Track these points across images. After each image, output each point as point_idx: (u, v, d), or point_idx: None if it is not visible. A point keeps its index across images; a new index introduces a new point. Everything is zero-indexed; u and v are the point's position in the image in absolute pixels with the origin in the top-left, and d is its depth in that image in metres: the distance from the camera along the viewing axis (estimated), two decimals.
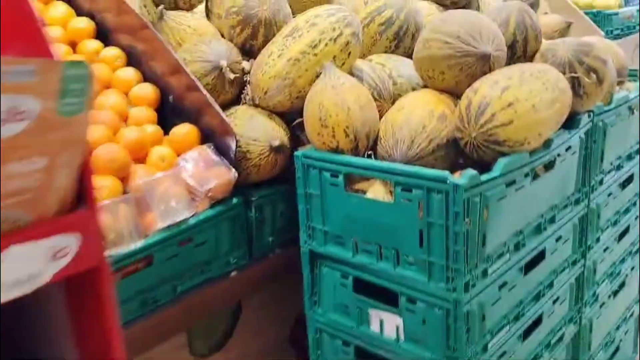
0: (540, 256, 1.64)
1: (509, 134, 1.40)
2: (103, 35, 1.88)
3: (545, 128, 1.46)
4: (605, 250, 2.04)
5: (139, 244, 1.35)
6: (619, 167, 2.04)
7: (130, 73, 1.73)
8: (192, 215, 1.48)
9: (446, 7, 2.12)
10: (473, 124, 1.41)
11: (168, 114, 1.73)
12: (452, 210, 1.31)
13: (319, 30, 1.58)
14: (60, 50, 1.77)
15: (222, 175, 1.53)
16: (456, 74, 1.55)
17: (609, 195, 1.99)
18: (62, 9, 1.86)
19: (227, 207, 1.57)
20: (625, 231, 2.17)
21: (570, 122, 1.65)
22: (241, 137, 1.58)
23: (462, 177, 1.31)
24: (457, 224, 1.31)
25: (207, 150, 1.56)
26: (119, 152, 1.39)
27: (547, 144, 1.52)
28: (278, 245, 1.76)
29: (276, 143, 1.58)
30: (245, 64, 1.68)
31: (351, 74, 1.67)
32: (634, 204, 2.21)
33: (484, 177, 1.35)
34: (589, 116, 1.75)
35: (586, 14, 2.91)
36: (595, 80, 1.61)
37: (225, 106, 1.69)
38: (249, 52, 1.75)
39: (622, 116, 1.96)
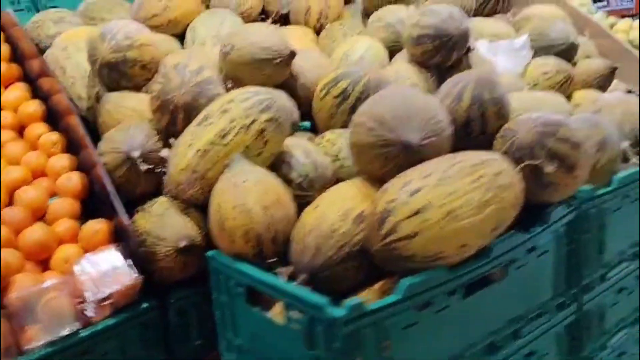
0: None
1: (414, 249, 1.15)
2: (55, 117, 1.84)
3: (472, 237, 1.19)
4: (620, 355, 1.68)
5: None
6: (635, 256, 1.68)
7: (61, 161, 1.65)
8: (87, 326, 1.36)
9: (429, 69, 1.88)
10: (374, 235, 1.18)
11: (97, 204, 1.64)
12: (333, 346, 1.09)
13: (229, 118, 1.41)
14: (5, 137, 1.74)
15: (123, 281, 1.40)
16: (382, 165, 1.33)
17: (620, 291, 1.64)
18: (16, 93, 1.83)
19: (133, 314, 1.44)
20: None
21: (535, 218, 1.36)
22: (148, 236, 1.45)
23: (343, 307, 1.08)
24: None
25: (111, 252, 1.43)
26: None
27: (484, 253, 1.24)
28: (212, 347, 1.59)
29: (182, 244, 1.42)
30: (166, 153, 1.55)
31: (281, 160, 1.49)
32: None
33: (377, 304, 1.12)
34: (570, 206, 1.44)
35: None
36: (561, 168, 1.32)
37: (147, 197, 1.56)
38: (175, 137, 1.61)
39: (632, 197, 1.61)
